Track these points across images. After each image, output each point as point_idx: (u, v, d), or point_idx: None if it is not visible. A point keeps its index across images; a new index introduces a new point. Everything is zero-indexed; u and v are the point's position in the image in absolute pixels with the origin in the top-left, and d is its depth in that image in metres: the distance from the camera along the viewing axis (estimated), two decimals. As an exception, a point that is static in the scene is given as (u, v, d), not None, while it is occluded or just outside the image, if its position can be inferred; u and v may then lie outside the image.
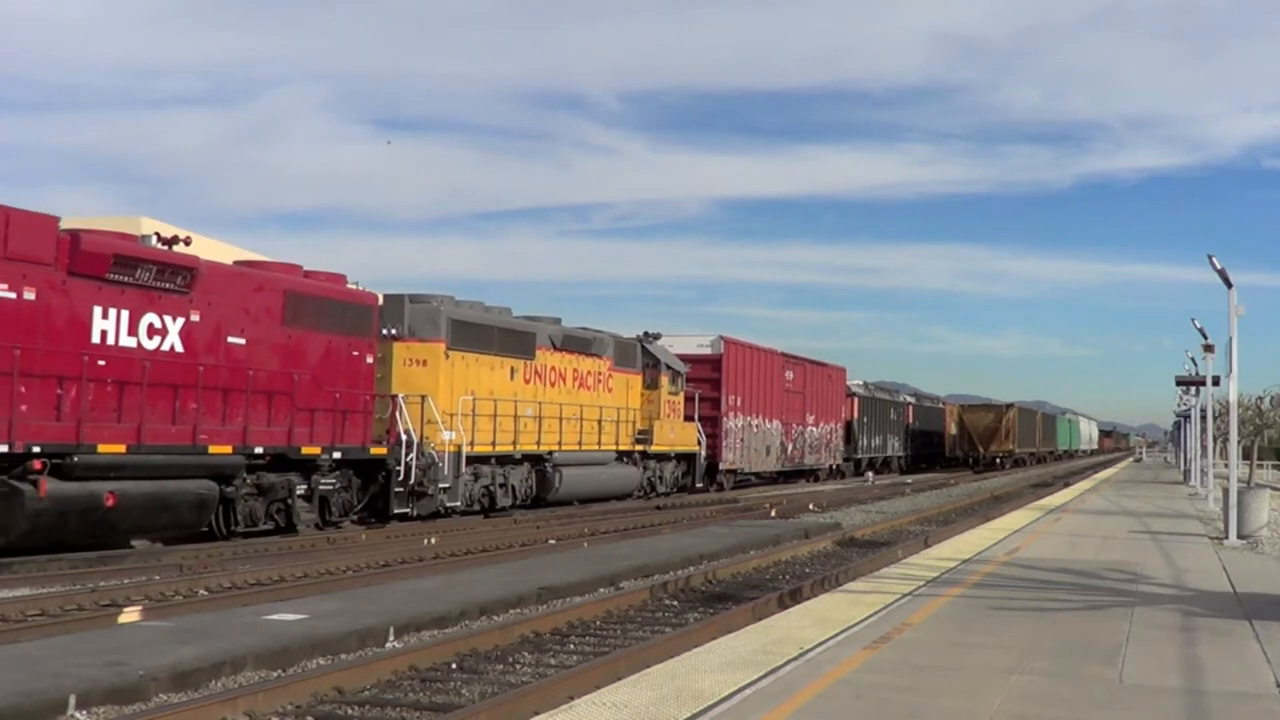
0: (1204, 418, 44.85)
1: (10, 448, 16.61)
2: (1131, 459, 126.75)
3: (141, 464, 18.61)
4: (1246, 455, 48.32)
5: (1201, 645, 10.20)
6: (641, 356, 36.08)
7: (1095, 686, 8.38)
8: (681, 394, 38.18)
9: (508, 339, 28.89)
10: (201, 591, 15.07)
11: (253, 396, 20.70)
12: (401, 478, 24.14)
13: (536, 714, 8.01)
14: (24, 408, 16.98)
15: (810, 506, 34.09)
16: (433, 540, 21.49)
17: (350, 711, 9.36)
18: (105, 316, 18.24)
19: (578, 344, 32.20)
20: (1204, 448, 45.19)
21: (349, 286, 23.81)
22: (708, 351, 41.87)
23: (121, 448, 18.28)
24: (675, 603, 15.34)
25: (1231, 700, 8.11)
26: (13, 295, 16.88)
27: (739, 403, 43.17)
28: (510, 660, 11.40)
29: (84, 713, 8.90)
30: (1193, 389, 47.68)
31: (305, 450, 21.77)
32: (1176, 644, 10.24)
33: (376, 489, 24.00)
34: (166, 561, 18.02)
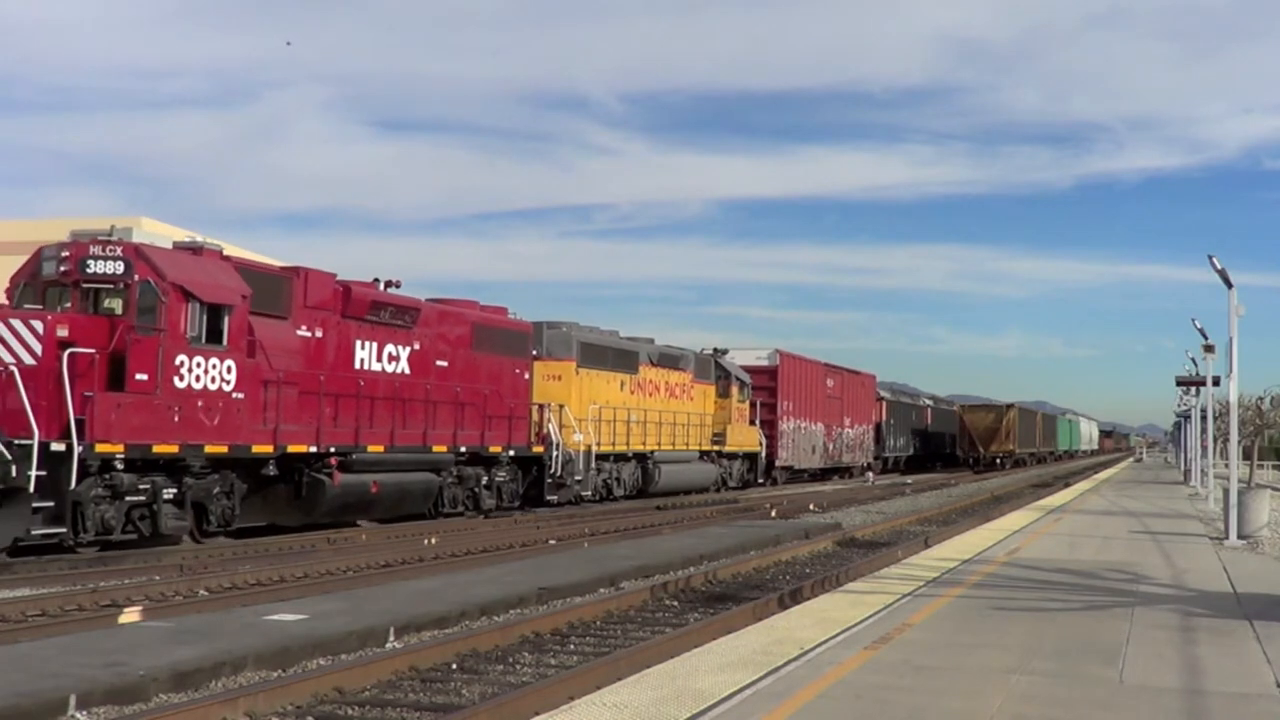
0: (1204, 418, 44.90)
1: (319, 448, 21.81)
2: (1132, 459, 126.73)
3: (392, 460, 23.80)
4: (1247, 455, 48.32)
5: (1202, 645, 10.19)
6: (715, 370, 41.35)
7: (1095, 687, 8.38)
8: (747, 402, 43.73)
9: (619, 357, 34.38)
10: (201, 591, 15.07)
11: (457, 407, 25.77)
12: (551, 471, 28.98)
13: (536, 714, 8.01)
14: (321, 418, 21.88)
15: (810, 507, 34.11)
16: (433, 540, 21.57)
17: (350, 712, 9.35)
18: (363, 348, 23.42)
19: (668, 360, 37.79)
20: (1204, 448, 45.22)
21: (510, 316, 29.02)
22: (765, 363, 47.80)
23: (381, 448, 23.51)
24: (675, 603, 15.33)
25: (1232, 701, 8.10)
26: (310, 334, 22.09)
27: (791, 408, 48.90)
28: (510, 660, 11.39)
29: (84, 713, 8.90)
30: (1193, 389, 47.70)
31: (491, 449, 27.17)
32: (1177, 644, 10.24)
33: (530, 479, 28.96)
34: (166, 562, 18.03)
